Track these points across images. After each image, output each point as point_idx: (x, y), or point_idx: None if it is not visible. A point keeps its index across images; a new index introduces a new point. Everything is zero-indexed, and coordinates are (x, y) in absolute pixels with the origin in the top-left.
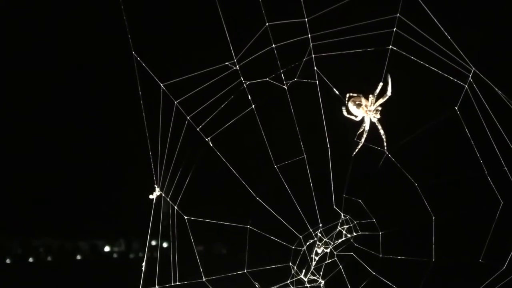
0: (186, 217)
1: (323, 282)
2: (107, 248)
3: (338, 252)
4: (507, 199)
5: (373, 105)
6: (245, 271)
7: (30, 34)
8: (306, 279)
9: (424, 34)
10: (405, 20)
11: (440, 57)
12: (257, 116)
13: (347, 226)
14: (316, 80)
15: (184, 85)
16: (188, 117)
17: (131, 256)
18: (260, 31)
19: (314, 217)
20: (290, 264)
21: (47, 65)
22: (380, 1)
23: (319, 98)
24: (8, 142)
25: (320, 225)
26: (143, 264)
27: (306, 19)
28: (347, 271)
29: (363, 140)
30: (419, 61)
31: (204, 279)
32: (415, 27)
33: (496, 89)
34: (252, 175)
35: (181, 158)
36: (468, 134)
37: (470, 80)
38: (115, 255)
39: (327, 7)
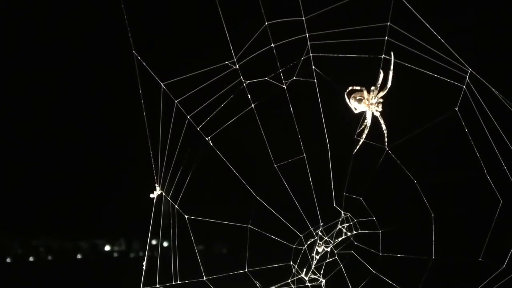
0: (186, 217)
1: (324, 281)
2: (107, 248)
3: (338, 251)
4: (506, 198)
5: (375, 98)
6: (246, 270)
7: (30, 34)
8: (307, 278)
9: (417, 40)
10: (397, 28)
11: (436, 61)
12: (256, 115)
13: (347, 224)
14: (314, 79)
15: (184, 84)
16: (188, 117)
17: (132, 255)
18: (260, 30)
19: (314, 216)
20: (291, 263)
21: (46, 65)
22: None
23: (317, 96)
24: (8, 142)
25: (321, 224)
26: (144, 263)
27: (303, 18)
28: (347, 270)
29: (363, 136)
30: (415, 67)
31: (204, 278)
32: (407, 34)
33: (493, 89)
34: (252, 174)
35: (182, 157)
36: (468, 134)
37: (467, 81)
38: (115, 254)
39: (325, 5)
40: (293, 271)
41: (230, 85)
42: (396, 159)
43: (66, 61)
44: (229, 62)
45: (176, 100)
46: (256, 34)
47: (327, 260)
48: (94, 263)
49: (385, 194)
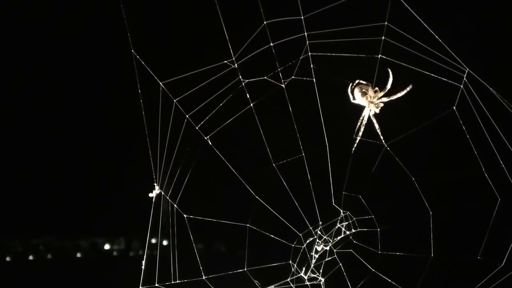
0: (185, 216)
1: (323, 280)
2: (107, 246)
3: (337, 249)
4: (504, 196)
5: (377, 99)
6: (245, 269)
7: (30, 34)
8: (306, 277)
9: (415, 40)
10: (394, 27)
11: (434, 61)
12: (255, 114)
13: (347, 223)
14: (313, 78)
15: (183, 83)
16: (187, 116)
17: (131, 254)
18: (258, 30)
19: (313, 215)
20: (290, 262)
21: (46, 65)
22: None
23: (316, 95)
24: (8, 141)
25: (320, 223)
26: (143, 262)
27: (302, 17)
28: (346, 269)
29: (360, 134)
30: (412, 67)
31: (204, 277)
32: (404, 33)
33: (490, 88)
34: (251, 173)
35: (180, 157)
36: (466, 133)
37: (464, 80)
38: (115, 253)
39: (324, 4)
40: (293, 270)
41: (229, 85)
42: (394, 155)
43: (65, 61)
44: (228, 61)
45: (175, 99)
46: (255, 33)
47: (326, 259)
48: (94, 261)
49: (383, 192)
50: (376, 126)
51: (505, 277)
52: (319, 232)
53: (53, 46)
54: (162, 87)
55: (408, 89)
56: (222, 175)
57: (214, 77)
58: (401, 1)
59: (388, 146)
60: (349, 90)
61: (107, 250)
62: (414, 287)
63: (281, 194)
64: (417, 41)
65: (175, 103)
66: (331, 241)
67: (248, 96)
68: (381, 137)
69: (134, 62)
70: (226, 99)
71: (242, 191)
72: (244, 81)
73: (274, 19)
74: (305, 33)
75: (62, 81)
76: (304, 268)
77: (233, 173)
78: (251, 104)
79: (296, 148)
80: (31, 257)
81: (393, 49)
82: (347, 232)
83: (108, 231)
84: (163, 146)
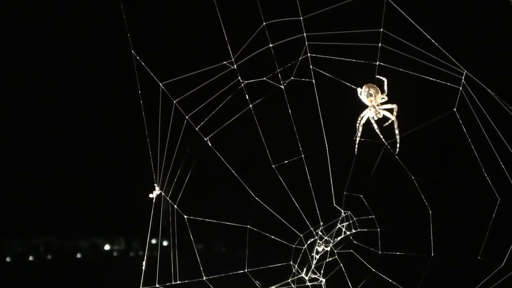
0: (185, 216)
1: (324, 280)
2: (107, 247)
3: (338, 250)
4: (504, 196)
5: (379, 106)
6: (246, 270)
7: (29, 34)
8: (307, 278)
9: (411, 45)
10: (390, 34)
11: (431, 65)
12: (254, 115)
13: (347, 223)
14: (312, 79)
15: (182, 84)
16: (187, 117)
17: (131, 254)
18: (257, 31)
19: (314, 216)
20: (291, 263)
21: (46, 65)
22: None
23: (316, 96)
24: (8, 142)
25: (321, 223)
26: (143, 262)
27: (301, 18)
28: (347, 269)
29: (359, 134)
30: (410, 72)
31: (204, 278)
32: (400, 39)
33: (488, 89)
34: (251, 174)
35: (181, 158)
36: (466, 134)
37: (463, 82)
38: (115, 254)
39: (323, 5)
40: (293, 270)
41: (228, 85)
42: (394, 154)
43: (65, 61)
44: (227, 62)
45: (174, 100)
46: (254, 34)
47: (327, 260)
48: (94, 262)
49: (384, 192)
50: (375, 126)
51: (505, 277)
52: (320, 233)
53: (53, 46)
54: (162, 88)
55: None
56: (222, 176)
57: (213, 78)
58: (396, 6)
59: (388, 144)
60: (359, 89)
61: (107, 251)
62: (415, 287)
63: (281, 195)
64: (413, 46)
65: (175, 104)
66: (332, 241)
67: (247, 97)
68: (381, 136)
69: (134, 63)
70: (226, 100)
71: (242, 192)
72: (243, 82)
73: (273, 20)
74: (304, 34)
75: (62, 81)
76: (305, 269)
77: (233, 174)
78: (251, 105)
79: (296, 149)
80: (31, 258)
81: (390, 54)
82: (348, 233)
83: (108, 232)
84: (163, 147)
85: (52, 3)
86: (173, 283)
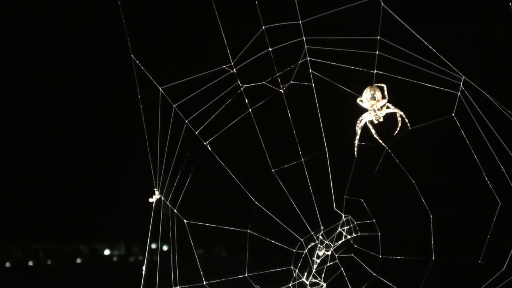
0: (185, 221)
1: (324, 285)
2: (107, 252)
3: (339, 254)
4: (505, 200)
5: (380, 111)
6: (246, 274)
7: (29, 34)
8: (308, 282)
9: (409, 52)
10: (387, 41)
11: (429, 71)
12: (254, 119)
13: (348, 227)
14: (312, 83)
15: (182, 88)
16: (186, 121)
17: (131, 259)
18: (257, 35)
19: (315, 220)
20: (292, 267)
21: (46, 67)
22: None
23: (315, 100)
24: (8, 145)
25: (322, 227)
26: (143, 267)
27: (300, 22)
28: (348, 273)
29: (358, 137)
30: (408, 79)
31: (204, 283)
32: (398, 46)
33: (487, 94)
34: (251, 179)
35: (180, 162)
36: (466, 139)
37: (461, 88)
38: (115, 259)
39: (323, 9)
40: (294, 275)
41: (228, 90)
42: (394, 157)
43: (65, 61)
44: (226, 67)
45: (174, 104)
46: (253, 38)
47: (328, 264)
48: (94, 267)
49: (384, 196)
50: (373, 131)
51: (506, 281)
52: (320, 237)
53: (53, 46)
54: (161, 92)
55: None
56: (221, 181)
57: (212, 82)
58: (392, 13)
59: (389, 148)
60: (364, 90)
61: (107, 256)
62: None
63: (281, 200)
64: (411, 53)
65: (175, 108)
66: (333, 246)
67: (246, 101)
68: (379, 140)
69: (134, 67)
70: (225, 104)
71: (242, 197)
72: (242, 86)
73: (273, 24)
74: (304, 38)
75: (62, 82)
76: (305, 273)
77: (233, 178)
78: (250, 109)
79: (296, 153)
80: (31, 263)
81: (389, 60)
82: (348, 237)
83: (108, 237)
84: (163, 151)
85: (52, 3)
86: (173, 287)
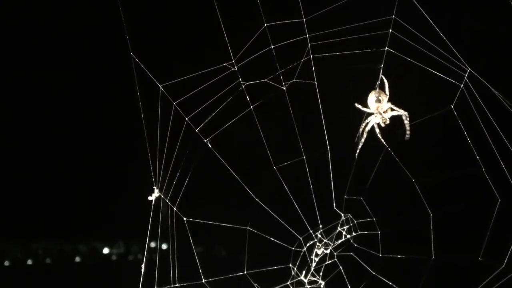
0: (185, 219)
1: (323, 283)
2: (106, 250)
3: (338, 253)
4: (505, 197)
5: (386, 113)
6: (245, 272)
7: (29, 34)
8: (306, 280)
9: (420, 35)
10: (401, 22)
11: (437, 58)
12: (255, 117)
13: (347, 226)
14: (315, 81)
15: (182, 86)
16: (186, 118)
17: (130, 258)
18: (259, 32)
19: (314, 218)
20: (290, 265)
21: (45, 66)
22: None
23: (318, 98)
24: (7, 144)
25: (320, 226)
26: (143, 266)
27: (304, 19)
28: (347, 272)
29: (363, 140)
30: (416, 62)
31: (203, 281)
32: (410, 28)
33: (492, 88)
34: (251, 176)
35: (180, 160)
36: (465, 132)
37: (465, 80)
38: (114, 257)
39: (326, 7)
40: (293, 273)
41: (229, 87)
42: (394, 156)
43: (65, 61)
44: (228, 64)
45: (174, 102)
46: (255, 36)
47: (327, 262)
48: (93, 266)
49: (384, 194)
50: (377, 130)
51: (506, 279)
52: (319, 235)
53: (53, 46)
54: (161, 90)
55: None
56: (221, 178)
57: (213, 80)
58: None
59: (390, 147)
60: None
61: (106, 254)
62: None
63: (281, 197)
64: (423, 37)
65: (175, 106)
66: (332, 244)
67: (248, 99)
68: (383, 142)
69: (133, 65)
70: (226, 101)
71: (242, 194)
72: (244, 84)
73: (276, 21)
74: (307, 35)
75: (62, 81)
76: (304, 272)
77: (233, 175)
78: (251, 107)
79: (297, 150)
80: (30, 262)
81: (399, 43)
82: (348, 236)
83: (107, 235)
84: (163, 149)
85: (52, 3)
86: (172, 286)
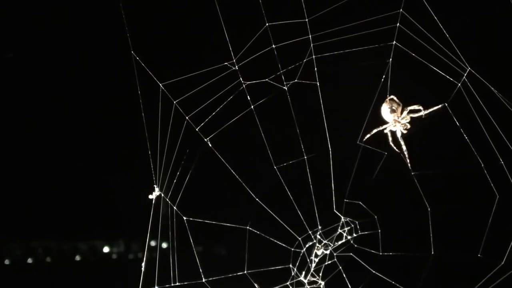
0: (185, 218)
1: (323, 283)
2: (106, 249)
3: (338, 253)
4: (503, 193)
5: (404, 119)
6: (245, 272)
7: (28, 34)
8: (306, 281)
9: (424, 30)
10: (407, 15)
11: (439, 55)
12: (256, 116)
13: (348, 228)
14: (317, 82)
15: (183, 85)
16: (187, 117)
17: (131, 256)
18: (260, 31)
19: (313, 219)
20: (290, 265)
21: (45, 65)
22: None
23: (320, 99)
24: (6, 143)
25: (319, 227)
26: (143, 264)
27: (307, 20)
28: (347, 271)
29: (367, 136)
30: (418, 57)
31: (203, 280)
32: (416, 23)
33: (493, 88)
34: (252, 175)
35: (180, 159)
36: (461, 129)
37: (464, 79)
38: (114, 256)
39: (328, 7)
40: (292, 273)
41: (229, 86)
42: (395, 149)
43: (65, 61)
44: (228, 63)
45: (174, 101)
46: (257, 35)
47: (326, 263)
48: (93, 264)
49: (383, 193)
50: (404, 148)
51: (506, 276)
52: (318, 237)
53: (52, 45)
54: (162, 89)
55: (435, 108)
56: (222, 177)
57: (214, 79)
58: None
59: (388, 150)
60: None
61: (106, 253)
62: (415, 286)
63: (282, 197)
64: (429, 34)
65: (175, 105)
66: (332, 245)
67: (248, 98)
68: (408, 161)
69: (134, 64)
70: (227, 101)
71: (242, 194)
72: (244, 83)
73: (280, 21)
74: (310, 36)
75: (61, 83)
76: (304, 272)
77: (233, 175)
78: (252, 106)
79: (298, 150)
80: (30, 260)
81: (406, 37)
82: (348, 237)
83: (107, 234)
84: (163, 148)
85: (52, 2)
86: (172, 285)
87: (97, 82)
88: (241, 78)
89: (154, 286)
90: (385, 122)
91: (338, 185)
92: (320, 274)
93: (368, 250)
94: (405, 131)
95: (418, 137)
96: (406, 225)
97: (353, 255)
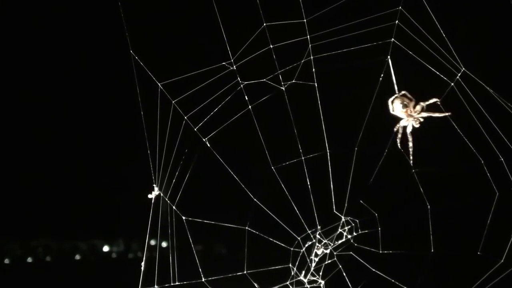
0: (184, 218)
1: (323, 282)
2: (106, 248)
3: (338, 252)
4: (503, 190)
5: (418, 114)
6: (245, 272)
7: (28, 33)
8: (306, 280)
9: (421, 28)
10: (407, 14)
11: (435, 55)
12: (253, 116)
13: (348, 227)
14: (315, 82)
15: (181, 85)
16: (185, 117)
17: (130, 256)
18: (258, 31)
19: (312, 219)
20: (290, 265)
21: (45, 65)
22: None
23: (318, 99)
24: (6, 144)
25: (319, 227)
26: (142, 264)
27: (305, 20)
28: (347, 270)
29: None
30: (415, 56)
31: (203, 280)
32: (414, 22)
33: (488, 88)
34: (250, 175)
35: (179, 158)
36: (458, 129)
37: (457, 79)
38: (114, 255)
39: (326, 8)
40: (292, 273)
41: (227, 86)
42: (400, 146)
43: (65, 61)
44: (226, 63)
45: (173, 100)
46: (254, 35)
47: (326, 262)
48: (93, 263)
49: (383, 190)
50: (410, 144)
51: (505, 273)
52: (318, 236)
53: (52, 45)
54: (160, 88)
55: (445, 114)
56: (220, 177)
57: (212, 79)
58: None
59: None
60: (389, 100)
61: (106, 252)
62: (415, 284)
63: (280, 197)
64: (426, 33)
65: (174, 105)
66: (332, 244)
67: (246, 98)
68: (411, 157)
69: (133, 64)
70: (224, 101)
71: (241, 194)
72: (242, 83)
73: (278, 21)
74: (308, 36)
75: (62, 81)
76: (303, 271)
77: (232, 175)
78: (250, 106)
79: (296, 151)
80: (30, 259)
81: (405, 35)
82: (349, 236)
83: (107, 233)
84: (162, 148)
85: (52, 2)
86: (172, 284)
87: (95, 81)
88: (239, 78)
89: (154, 286)
90: (397, 119)
91: (337, 185)
92: (320, 273)
93: (368, 248)
94: (417, 125)
95: (417, 135)
96: (406, 223)
97: (353, 254)
